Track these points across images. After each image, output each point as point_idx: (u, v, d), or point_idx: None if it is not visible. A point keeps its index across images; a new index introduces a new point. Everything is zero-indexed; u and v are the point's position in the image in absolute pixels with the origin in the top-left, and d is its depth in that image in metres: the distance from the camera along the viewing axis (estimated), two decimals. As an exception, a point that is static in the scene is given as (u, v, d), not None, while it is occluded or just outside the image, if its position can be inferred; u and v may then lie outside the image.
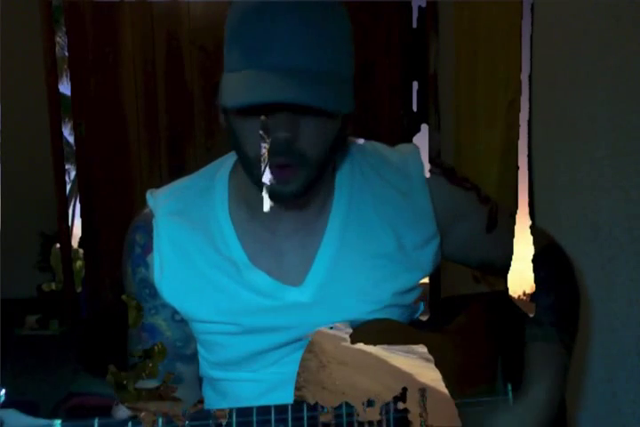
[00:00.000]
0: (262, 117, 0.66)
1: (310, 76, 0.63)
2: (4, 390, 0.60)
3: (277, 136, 0.65)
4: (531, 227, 0.90)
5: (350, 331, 0.71)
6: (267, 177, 0.69)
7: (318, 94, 0.63)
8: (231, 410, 0.64)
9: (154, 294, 0.80)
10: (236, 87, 0.65)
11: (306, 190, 0.71)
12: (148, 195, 0.83)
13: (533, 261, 0.82)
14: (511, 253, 0.85)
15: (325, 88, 0.64)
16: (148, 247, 0.80)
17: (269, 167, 0.68)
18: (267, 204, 0.71)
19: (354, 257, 0.79)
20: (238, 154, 0.72)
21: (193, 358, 0.84)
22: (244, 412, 0.64)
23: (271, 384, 0.79)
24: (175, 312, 0.80)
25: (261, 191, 0.70)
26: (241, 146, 0.70)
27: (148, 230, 0.80)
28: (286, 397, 0.68)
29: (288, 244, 0.80)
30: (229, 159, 0.84)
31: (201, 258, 0.79)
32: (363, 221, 0.80)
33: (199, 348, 0.84)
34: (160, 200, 0.82)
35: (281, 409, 0.65)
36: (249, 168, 0.71)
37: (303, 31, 0.64)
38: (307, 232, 0.80)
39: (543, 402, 0.76)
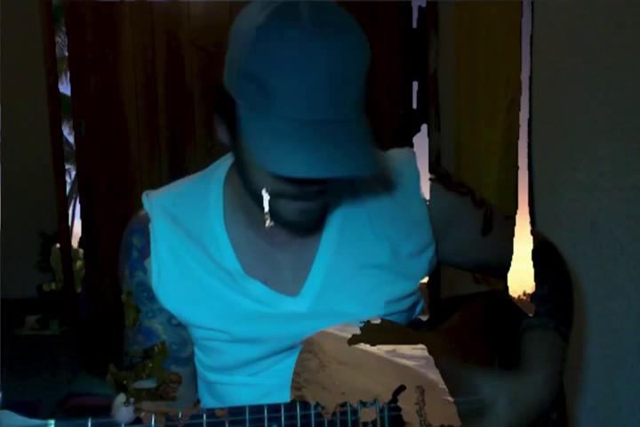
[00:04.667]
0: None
1: (339, 137, 0.63)
2: (0, 393, 0.61)
3: (310, 190, 0.67)
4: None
5: (350, 331, 0.71)
6: (269, 222, 0.71)
7: (351, 166, 0.63)
8: (224, 409, 0.64)
9: (151, 297, 0.79)
10: (270, 147, 0.63)
11: (319, 217, 0.74)
12: (144, 197, 0.83)
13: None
14: (505, 254, 0.85)
15: (356, 154, 0.64)
16: (145, 251, 0.80)
17: (292, 204, 0.69)
18: (269, 221, 0.71)
19: (349, 268, 0.79)
20: (247, 184, 0.72)
21: (188, 361, 0.84)
22: (236, 411, 0.64)
23: (268, 388, 0.79)
24: (172, 316, 0.80)
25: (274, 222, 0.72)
26: (250, 178, 0.70)
27: (146, 234, 0.80)
28: (284, 400, 0.68)
29: (284, 254, 0.80)
30: (224, 164, 0.83)
31: (197, 265, 0.79)
32: (358, 232, 0.80)
33: (197, 351, 0.84)
34: (155, 204, 0.81)
35: (274, 408, 0.65)
36: (256, 196, 0.71)
37: (332, 81, 0.62)
38: (302, 242, 0.80)
39: (540, 385, 0.75)
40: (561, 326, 0.80)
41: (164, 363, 0.80)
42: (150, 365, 0.78)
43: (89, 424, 0.61)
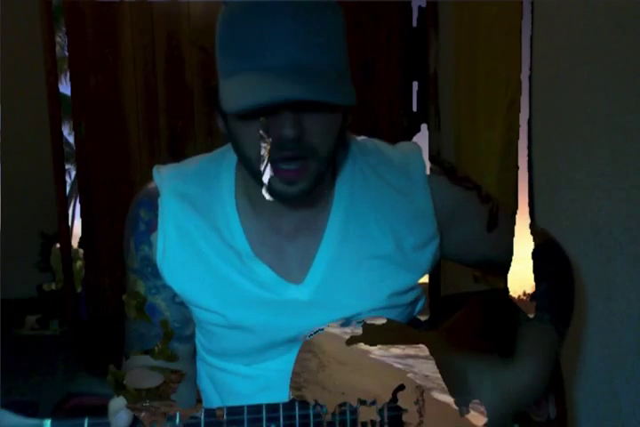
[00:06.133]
0: (262, 119, 0.66)
1: (307, 73, 0.64)
2: None
3: (284, 134, 0.65)
4: (529, 226, 0.91)
5: (350, 331, 0.71)
6: (267, 177, 0.69)
7: (317, 89, 0.63)
8: (222, 408, 0.64)
9: (156, 273, 0.80)
10: (235, 91, 0.65)
11: (312, 188, 0.72)
12: (155, 170, 0.83)
13: (532, 254, 0.84)
14: (510, 251, 0.85)
15: (323, 83, 0.64)
16: (152, 225, 0.80)
17: (276, 168, 0.68)
18: (267, 195, 0.71)
19: (353, 257, 0.79)
20: (241, 158, 0.73)
21: (190, 339, 0.84)
22: (235, 410, 0.64)
23: (266, 382, 0.79)
24: (176, 294, 0.80)
25: (265, 190, 0.70)
26: (243, 149, 0.70)
27: (153, 208, 0.80)
28: (283, 395, 0.68)
29: (289, 242, 0.80)
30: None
31: (204, 244, 0.79)
32: (362, 223, 0.80)
33: (197, 332, 0.84)
34: (166, 179, 0.82)
35: (272, 408, 0.65)
36: (253, 170, 0.71)
37: (295, 29, 0.64)
38: (307, 232, 0.80)
39: (528, 375, 0.76)
40: (556, 321, 0.81)
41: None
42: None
43: (85, 424, 0.61)
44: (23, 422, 0.60)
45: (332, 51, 0.67)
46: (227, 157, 0.83)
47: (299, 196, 0.71)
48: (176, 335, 0.81)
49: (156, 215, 0.80)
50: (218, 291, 0.78)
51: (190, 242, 0.79)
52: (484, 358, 0.76)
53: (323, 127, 0.68)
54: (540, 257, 0.84)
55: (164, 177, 0.82)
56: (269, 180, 0.69)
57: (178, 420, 0.63)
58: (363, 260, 0.80)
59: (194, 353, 0.86)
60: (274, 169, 0.68)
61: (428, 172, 0.82)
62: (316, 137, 0.68)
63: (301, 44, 0.64)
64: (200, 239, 0.79)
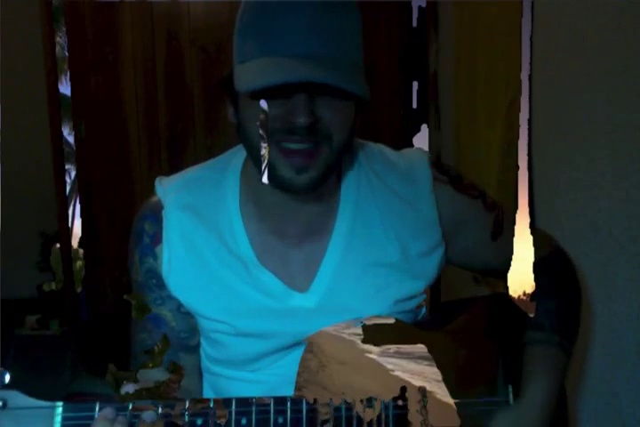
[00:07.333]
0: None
1: (324, 61, 0.64)
2: (8, 374, 0.61)
3: (297, 120, 0.65)
4: (536, 231, 0.90)
5: (351, 331, 0.71)
6: (265, 178, 0.69)
7: (333, 75, 0.63)
8: (230, 400, 0.64)
9: (160, 284, 0.79)
10: (252, 72, 0.66)
11: (321, 180, 0.70)
12: (157, 183, 0.82)
13: (538, 265, 0.83)
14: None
15: (340, 71, 0.65)
16: (156, 238, 0.80)
17: (285, 149, 0.68)
18: (265, 177, 0.70)
19: (358, 265, 0.79)
20: (248, 146, 0.72)
21: (196, 349, 0.84)
22: (244, 402, 0.64)
23: (271, 386, 0.79)
24: (181, 304, 0.80)
25: (272, 184, 0.70)
26: (251, 136, 0.69)
27: (158, 221, 0.80)
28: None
29: (295, 249, 0.80)
30: (239, 154, 0.83)
31: (210, 254, 0.78)
32: (368, 230, 0.80)
33: (202, 342, 0.84)
34: (169, 191, 0.81)
35: (280, 401, 0.65)
36: (258, 160, 0.70)
37: (314, 19, 0.65)
38: (313, 237, 0.80)
39: (540, 403, 0.76)
40: (564, 342, 0.80)
41: (172, 350, 0.80)
42: (151, 365, 0.78)
43: (97, 407, 0.61)
44: (35, 403, 0.61)
45: (348, 44, 0.68)
46: (231, 163, 0.83)
47: (307, 185, 0.69)
48: (182, 346, 0.81)
49: (161, 228, 0.79)
50: (224, 300, 0.78)
51: (196, 253, 0.78)
52: (492, 401, 0.76)
53: (337, 114, 0.68)
54: (547, 270, 0.83)
55: (167, 189, 0.81)
56: (278, 167, 0.68)
57: (187, 405, 0.63)
58: (368, 267, 0.79)
59: (199, 366, 0.85)
60: (283, 151, 0.67)
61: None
62: (331, 123, 0.68)
63: (320, 35, 0.65)
64: (205, 249, 0.78)
